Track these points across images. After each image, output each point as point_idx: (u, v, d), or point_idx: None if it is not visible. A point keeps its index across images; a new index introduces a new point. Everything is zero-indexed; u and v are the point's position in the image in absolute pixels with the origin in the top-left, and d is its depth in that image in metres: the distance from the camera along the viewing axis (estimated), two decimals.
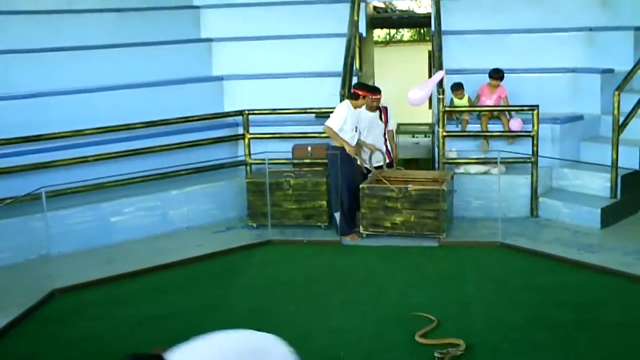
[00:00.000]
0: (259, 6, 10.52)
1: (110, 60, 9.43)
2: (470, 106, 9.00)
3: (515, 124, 8.65)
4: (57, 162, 8.05)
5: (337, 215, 7.91)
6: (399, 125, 9.38)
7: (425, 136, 11.69)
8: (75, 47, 9.27)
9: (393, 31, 19.20)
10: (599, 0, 9.84)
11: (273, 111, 9.21)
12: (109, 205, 8.13)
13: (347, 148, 7.86)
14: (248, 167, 9.08)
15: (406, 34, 19.94)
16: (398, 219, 7.77)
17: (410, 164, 10.12)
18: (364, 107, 8.27)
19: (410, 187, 7.75)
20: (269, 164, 8.26)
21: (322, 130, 8.09)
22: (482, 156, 8.62)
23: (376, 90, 8.30)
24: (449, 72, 8.83)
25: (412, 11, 16.69)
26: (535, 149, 8.27)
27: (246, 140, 9.11)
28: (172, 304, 6.28)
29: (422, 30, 18.16)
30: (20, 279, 6.96)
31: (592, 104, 9.25)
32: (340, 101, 8.36)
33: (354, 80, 9.10)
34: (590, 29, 9.68)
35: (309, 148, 8.89)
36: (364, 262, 7.29)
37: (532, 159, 8.26)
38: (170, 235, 8.32)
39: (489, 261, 7.14)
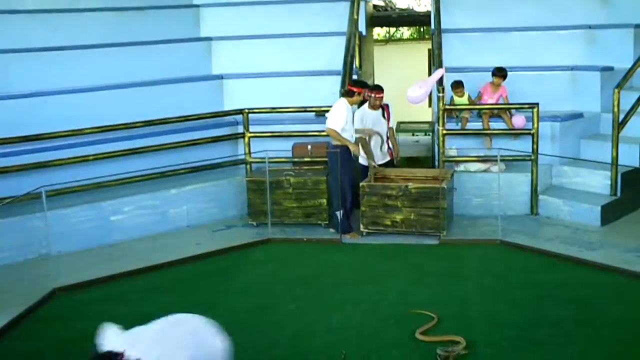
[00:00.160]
0: (259, 5, 10.54)
1: (110, 59, 9.46)
2: (470, 104, 9.01)
3: (519, 120, 8.66)
4: (57, 162, 8.06)
5: (339, 213, 7.88)
6: (398, 123, 9.39)
7: (425, 134, 11.69)
8: (75, 46, 9.30)
9: (393, 29, 19.23)
10: None
11: (273, 110, 9.21)
12: (108, 205, 8.12)
13: (351, 148, 7.84)
14: (248, 166, 9.09)
15: (406, 32, 19.97)
16: (398, 217, 7.77)
17: (410, 162, 10.13)
18: (366, 105, 8.29)
19: (411, 185, 7.75)
20: (269, 162, 8.26)
21: (325, 132, 8.01)
22: (482, 154, 8.62)
23: (378, 89, 8.29)
24: (449, 70, 8.84)
25: (412, 9, 16.73)
26: (535, 146, 8.27)
27: (246, 138, 9.12)
28: (172, 302, 6.26)
29: (422, 29, 18.19)
30: (21, 278, 6.97)
31: (592, 101, 9.26)
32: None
33: (354, 78, 9.10)
34: (590, 27, 9.69)
35: (309, 146, 8.90)
36: (364, 260, 7.29)
37: (532, 157, 8.26)
38: (170, 234, 8.32)
39: (489, 259, 7.14)
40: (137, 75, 9.44)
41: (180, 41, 10.16)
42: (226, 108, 9.73)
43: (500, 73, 8.89)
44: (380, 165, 8.25)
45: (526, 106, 8.48)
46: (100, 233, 7.99)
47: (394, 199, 7.75)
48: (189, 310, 6.06)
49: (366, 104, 8.37)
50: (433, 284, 6.49)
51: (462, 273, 6.75)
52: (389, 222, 7.82)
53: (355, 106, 8.14)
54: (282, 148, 8.80)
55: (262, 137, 9.12)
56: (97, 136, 8.44)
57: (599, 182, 8.38)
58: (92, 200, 8.08)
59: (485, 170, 8.61)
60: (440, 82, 8.37)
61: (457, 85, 8.97)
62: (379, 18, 14.27)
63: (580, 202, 8.22)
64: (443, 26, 9.44)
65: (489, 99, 8.94)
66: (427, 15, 11.41)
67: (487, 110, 8.83)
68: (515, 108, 8.80)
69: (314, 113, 9.09)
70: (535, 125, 8.26)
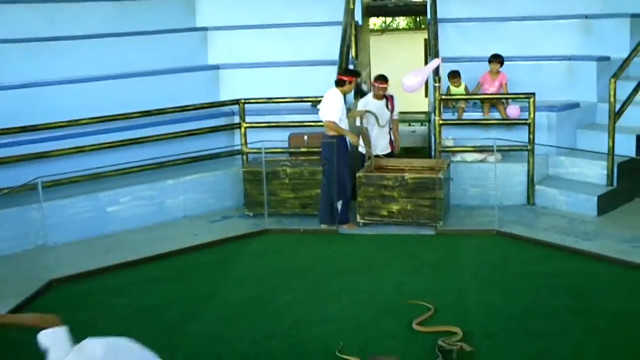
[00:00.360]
0: None
1: (107, 50, 9.45)
2: (466, 94, 9.00)
3: (513, 110, 8.66)
4: (54, 152, 8.06)
5: (339, 204, 7.84)
6: None
7: (422, 124, 11.69)
8: (72, 37, 9.27)
9: (389, 19, 19.17)
10: None
11: (269, 100, 9.21)
12: (105, 195, 8.12)
13: (351, 139, 7.81)
14: (244, 156, 9.09)
15: (402, 22, 19.93)
16: (395, 207, 7.78)
17: (407, 152, 10.13)
18: (370, 94, 8.28)
19: (407, 175, 7.75)
20: (266, 153, 8.25)
21: (325, 126, 7.79)
22: (479, 144, 8.62)
23: (382, 78, 8.24)
24: (445, 60, 8.82)
25: None
26: (531, 136, 8.28)
27: (242, 129, 9.12)
28: (169, 293, 6.28)
29: (418, 19, 18.16)
30: (17, 270, 6.97)
31: (589, 91, 9.27)
32: None
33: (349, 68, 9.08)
34: (587, 17, 9.69)
35: (306, 137, 8.89)
36: (361, 250, 7.30)
37: (529, 147, 8.27)
38: (167, 225, 8.32)
39: (486, 249, 7.15)
40: (133, 66, 9.43)
41: (176, 31, 10.14)
42: (222, 98, 9.73)
43: (496, 59, 8.90)
44: (377, 156, 8.24)
45: (522, 96, 8.49)
46: (97, 224, 7.99)
47: (391, 190, 7.75)
48: (186, 299, 6.11)
49: (370, 94, 8.38)
50: (429, 275, 6.50)
51: (458, 263, 6.76)
52: (385, 213, 7.83)
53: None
54: (279, 138, 8.78)
55: (259, 127, 9.12)
56: (93, 127, 8.43)
57: (596, 172, 8.40)
58: (88, 191, 8.08)
59: (481, 161, 8.62)
60: (436, 72, 8.36)
61: (454, 75, 8.96)
62: (375, 8, 14.18)
63: (576, 192, 8.23)
64: (439, 16, 9.43)
65: (490, 87, 8.95)
66: (423, 4, 11.35)
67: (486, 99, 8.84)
68: (512, 98, 8.80)
69: (310, 103, 9.07)
70: (532, 115, 8.26)
